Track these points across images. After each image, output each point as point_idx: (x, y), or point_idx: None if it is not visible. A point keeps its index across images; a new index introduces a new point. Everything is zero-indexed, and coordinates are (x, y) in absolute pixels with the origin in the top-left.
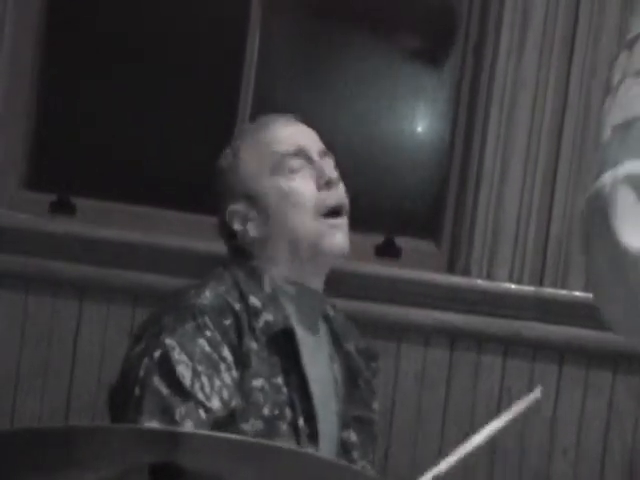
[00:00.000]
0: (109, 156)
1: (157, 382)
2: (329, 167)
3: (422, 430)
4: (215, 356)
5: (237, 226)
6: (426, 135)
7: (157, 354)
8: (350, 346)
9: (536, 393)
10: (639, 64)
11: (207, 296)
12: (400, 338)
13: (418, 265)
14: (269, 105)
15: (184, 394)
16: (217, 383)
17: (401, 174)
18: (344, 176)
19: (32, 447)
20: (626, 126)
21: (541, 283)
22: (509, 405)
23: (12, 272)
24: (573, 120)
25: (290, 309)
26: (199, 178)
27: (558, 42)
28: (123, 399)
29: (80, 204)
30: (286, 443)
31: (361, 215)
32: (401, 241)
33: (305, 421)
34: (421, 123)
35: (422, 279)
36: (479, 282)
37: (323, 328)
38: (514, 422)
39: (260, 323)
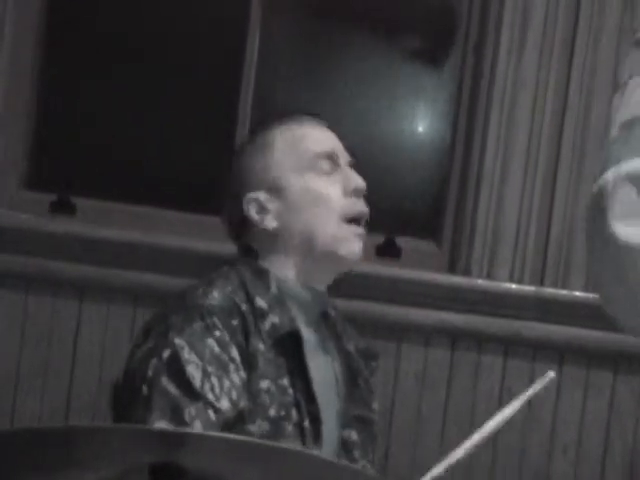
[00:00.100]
0: (109, 156)
1: (166, 382)
2: (357, 176)
3: (422, 430)
4: (224, 357)
5: (254, 214)
6: (426, 135)
7: (166, 354)
8: (350, 346)
9: (549, 375)
10: None
11: (215, 296)
12: (400, 338)
13: (418, 265)
14: (269, 105)
15: (194, 395)
16: (226, 384)
17: (401, 174)
18: None
19: (32, 447)
20: (629, 125)
21: (542, 283)
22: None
23: (12, 272)
24: (573, 120)
25: (295, 310)
26: (199, 178)
27: (558, 42)
28: (129, 398)
29: (80, 204)
30: (291, 444)
31: None
32: (402, 241)
33: (310, 422)
34: (421, 123)
35: (422, 279)
36: (480, 282)
37: (324, 328)
38: (523, 409)
39: (266, 326)
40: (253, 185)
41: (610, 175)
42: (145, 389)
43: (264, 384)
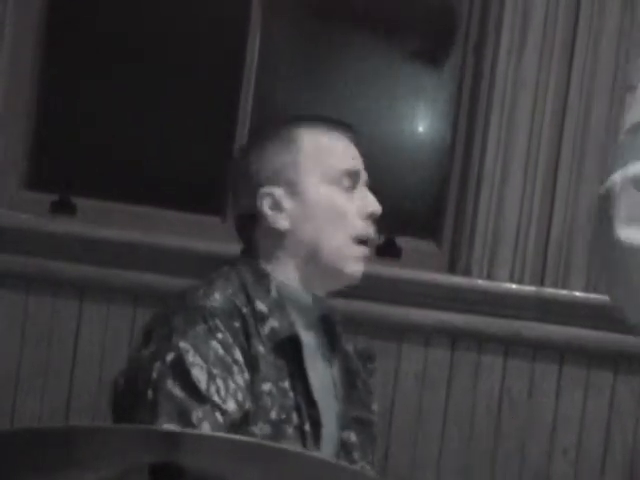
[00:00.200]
0: (109, 156)
1: (171, 385)
2: (374, 200)
3: (422, 430)
4: (228, 359)
5: (267, 209)
6: (426, 135)
7: (170, 357)
8: (349, 347)
9: None
10: None
11: (216, 298)
12: (401, 338)
13: (419, 265)
14: (269, 105)
15: (200, 397)
16: (232, 385)
17: (401, 174)
18: None
19: (32, 447)
20: (636, 128)
21: (542, 283)
22: (509, 406)
23: (12, 272)
24: (574, 120)
25: (295, 314)
26: (199, 178)
27: (558, 43)
28: (133, 402)
29: (80, 204)
30: (291, 445)
31: None
32: (402, 241)
33: (310, 425)
34: (421, 123)
35: (423, 279)
36: (480, 282)
37: (323, 331)
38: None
39: (266, 329)
40: (270, 180)
41: (617, 178)
42: (150, 393)
43: (266, 386)
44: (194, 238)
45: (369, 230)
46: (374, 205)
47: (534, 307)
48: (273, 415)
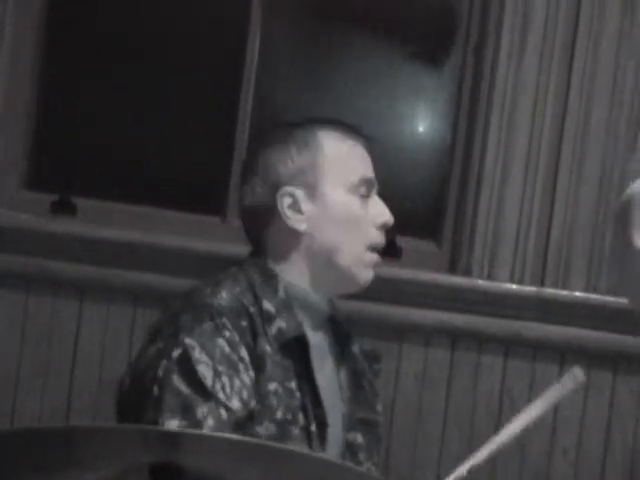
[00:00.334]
0: (109, 156)
1: (177, 381)
2: (387, 210)
3: (422, 430)
4: (234, 357)
5: (286, 209)
6: (427, 135)
7: (176, 353)
8: (355, 348)
9: (575, 374)
10: None
11: (224, 297)
12: (401, 338)
13: (419, 265)
14: (269, 105)
15: (205, 394)
16: (237, 383)
17: (402, 174)
18: None
19: (32, 447)
20: None
21: (542, 283)
22: (510, 406)
23: (13, 272)
24: (573, 122)
25: (302, 315)
26: (199, 178)
27: (558, 46)
28: (138, 400)
29: (81, 204)
30: (296, 446)
31: None
32: (402, 241)
33: (316, 426)
34: (422, 123)
35: (423, 279)
36: (480, 282)
37: (330, 331)
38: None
39: (273, 330)
40: (291, 180)
41: (637, 187)
42: (156, 389)
43: (272, 386)
44: (194, 238)
45: (381, 237)
46: (387, 216)
47: (534, 307)
48: (279, 415)
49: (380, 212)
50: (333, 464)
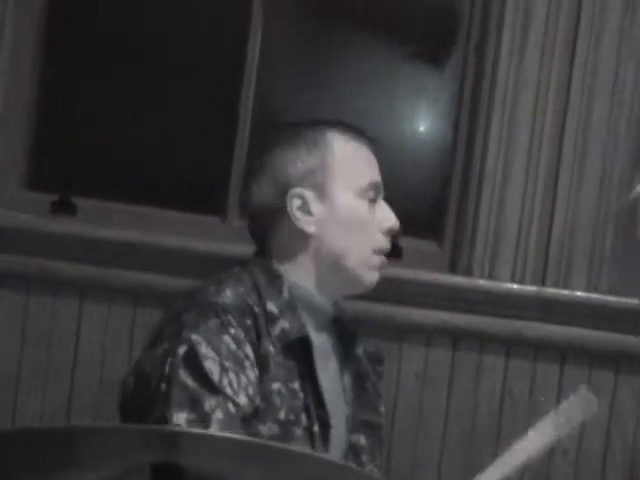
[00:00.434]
0: (109, 156)
1: (183, 375)
2: (394, 215)
3: (424, 430)
4: (240, 353)
5: (295, 210)
6: (428, 135)
7: (182, 350)
8: (359, 350)
9: (581, 392)
10: None
11: (228, 295)
12: (402, 338)
13: (420, 265)
14: (270, 105)
15: (212, 388)
16: (243, 379)
17: (403, 174)
18: None
19: (32, 447)
20: None
21: (543, 283)
22: (511, 406)
23: (13, 272)
24: (575, 120)
25: (306, 316)
26: (199, 178)
27: (560, 42)
28: (143, 400)
29: (81, 204)
30: (298, 446)
31: None
32: (403, 241)
33: (319, 427)
34: (423, 123)
35: (424, 279)
36: (481, 282)
37: (334, 333)
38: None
39: (276, 330)
40: (300, 181)
41: None
42: (163, 386)
43: (275, 386)
44: (194, 238)
45: (387, 244)
46: (394, 221)
47: (535, 307)
48: (282, 415)
49: (387, 217)
50: (334, 464)
